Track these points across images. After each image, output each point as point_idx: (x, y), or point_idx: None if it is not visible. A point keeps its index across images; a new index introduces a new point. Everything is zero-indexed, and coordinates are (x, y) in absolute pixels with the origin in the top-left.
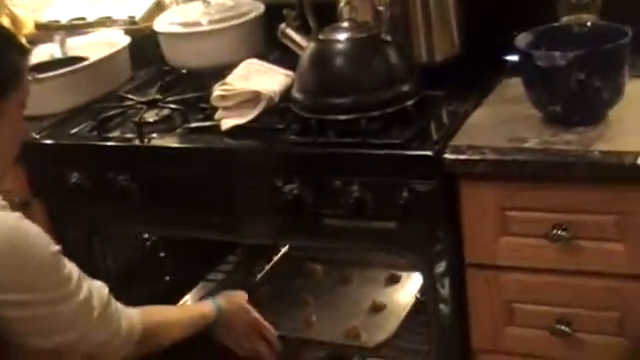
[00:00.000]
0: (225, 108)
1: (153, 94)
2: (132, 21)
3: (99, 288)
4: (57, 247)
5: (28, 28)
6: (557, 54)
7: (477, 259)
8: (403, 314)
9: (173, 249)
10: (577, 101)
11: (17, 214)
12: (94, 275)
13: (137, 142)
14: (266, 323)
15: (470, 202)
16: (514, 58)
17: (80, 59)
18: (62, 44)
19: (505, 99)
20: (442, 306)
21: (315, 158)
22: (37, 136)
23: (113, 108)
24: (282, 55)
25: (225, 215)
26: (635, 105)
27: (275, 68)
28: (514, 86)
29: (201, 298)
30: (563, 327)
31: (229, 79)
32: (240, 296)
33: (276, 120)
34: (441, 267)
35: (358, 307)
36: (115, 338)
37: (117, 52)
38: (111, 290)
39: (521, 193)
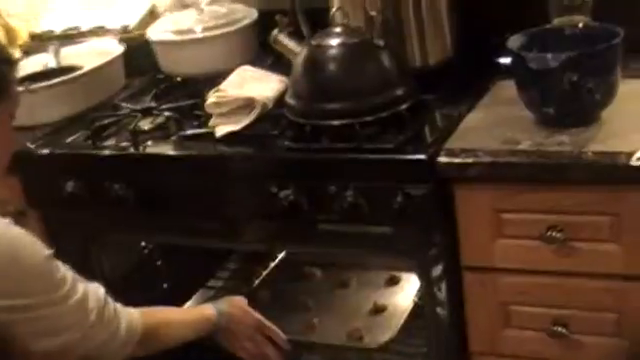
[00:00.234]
0: (219, 115)
1: (147, 102)
2: (126, 30)
3: (95, 289)
4: (49, 251)
5: (22, 38)
6: (549, 56)
7: (473, 262)
8: (405, 314)
9: (170, 257)
10: (570, 102)
11: (6, 220)
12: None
13: (132, 150)
14: (271, 324)
15: (465, 205)
16: (507, 60)
17: (74, 68)
18: (56, 54)
19: (498, 101)
20: (439, 309)
21: (310, 164)
22: (32, 146)
23: (108, 117)
24: (276, 61)
25: (221, 222)
26: (628, 105)
27: (269, 74)
28: (507, 88)
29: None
30: (560, 329)
31: (223, 86)
32: (240, 300)
33: (270, 126)
34: (437, 270)
35: (359, 309)
36: (115, 338)
37: (111, 61)
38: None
39: (516, 195)
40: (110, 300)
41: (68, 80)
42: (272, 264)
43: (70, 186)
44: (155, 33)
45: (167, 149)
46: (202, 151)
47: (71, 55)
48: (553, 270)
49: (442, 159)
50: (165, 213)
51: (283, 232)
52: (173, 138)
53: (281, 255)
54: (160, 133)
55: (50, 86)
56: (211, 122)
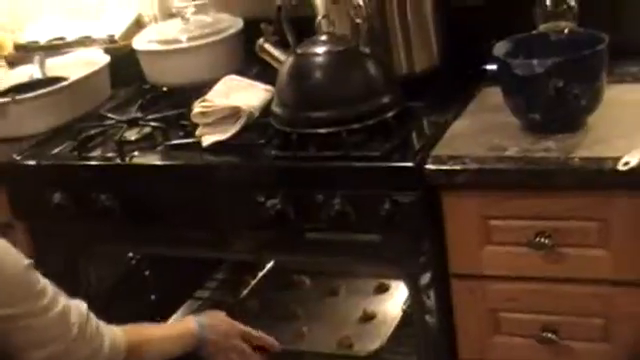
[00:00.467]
0: (205, 125)
1: (133, 112)
2: (111, 40)
3: (77, 304)
4: (28, 261)
5: (7, 49)
6: (535, 62)
7: (461, 269)
8: (394, 322)
9: (158, 267)
10: (556, 108)
11: None
12: (79, 295)
13: (118, 161)
14: (257, 332)
15: (453, 212)
16: (493, 67)
17: (60, 79)
18: (41, 64)
19: (485, 108)
20: (428, 317)
21: (296, 172)
22: (18, 157)
23: (94, 127)
24: (262, 70)
25: (208, 232)
26: (614, 111)
27: (254, 83)
28: (494, 95)
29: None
30: (550, 335)
31: (209, 95)
32: (220, 313)
33: (257, 135)
34: (426, 278)
35: (348, 317)
36: (98, 355)
37: (97, 71)
38: (96, 309)
39: (503, 202)
40: (93, 317)
41: (54, 91)
42: (260, 273)
43: (57, 197)
44: (141, 43)
45: (153, 159)
46: (189, 161)
47: (56, 66)
48: (542, 276)
49: (429, 166)
50: (152, 223)
51: (271, 241)
52: (159, 148)
53: (269, 264)
54: (146, 143)
55: (36, 97)
56: (197, 132)
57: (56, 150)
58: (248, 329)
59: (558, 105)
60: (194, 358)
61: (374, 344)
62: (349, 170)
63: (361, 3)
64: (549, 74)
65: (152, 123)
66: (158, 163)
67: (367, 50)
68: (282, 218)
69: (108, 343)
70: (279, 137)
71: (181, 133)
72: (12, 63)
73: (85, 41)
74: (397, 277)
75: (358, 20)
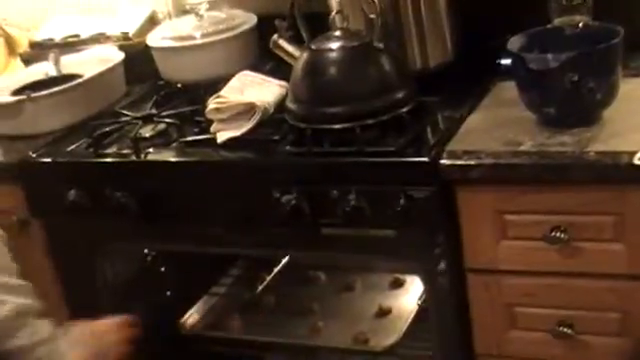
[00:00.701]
0: (220, 121)
1: (148, 109)
2: (125, 37)
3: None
4: None
5: (23, 47)
6: (549, 56)
7: (477, 264)
8: (410, 317)
9: (174, 264)
10: (571, 102)
11: None
12: (96, 291)
13: (134, 157)
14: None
15: (468, 207)
16: (507, 61)
17: (75, 76)
18: (56, 62)
19: (500, 103)
20: (444, 312)
21: (311, 168)
22: (34, 155)
23: (109, 124)
24: (276, 66)
25: (223, 228)
26: (629, 104)
27: (269, 79)
28: (508, 89)
29: (206, 311)
30: (565, 329)
31: (223, 92)
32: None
33: (271, 131)
34: (441, 273)
35: (364, 312)
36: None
37: (111, 68)
38: (113, 306)
39: (518, 196)
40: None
41: (69, 88)
42: (276, 269)
43: (72, 194)
44: (155, 40)
45: (168, 156)
46: (204, 157)
47: (71, 63)
48: (557, 271)
49: (444, 161)
50: (167, 220)
51: (286, 237)
52: (174, 145)
53: (285, 260)
54: (161, 140)
55: (51, 94)
56: (212, 128)
57: (72, 147)
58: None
59: (573, 99)
60: None
61: (390, 339)
62: (364, 165)
63: None
64: (564, 68)
65: (167, 120)
66: (173, 159)
67: (381, 45)
68: (297, 214)
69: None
70: (294, 133)
71: (196, 129)
72: (27, 61)
73: (99, 38)
74: (412, 272)
75: (372, 15)
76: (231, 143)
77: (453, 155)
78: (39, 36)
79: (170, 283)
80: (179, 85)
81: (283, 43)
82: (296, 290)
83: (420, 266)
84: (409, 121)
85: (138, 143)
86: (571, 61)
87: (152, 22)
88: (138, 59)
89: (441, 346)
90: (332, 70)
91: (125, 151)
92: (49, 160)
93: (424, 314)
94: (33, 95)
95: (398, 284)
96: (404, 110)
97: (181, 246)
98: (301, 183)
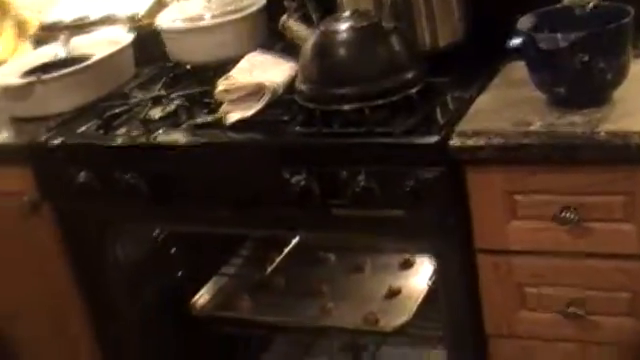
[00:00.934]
0: (230, 102)
1: (157, 91)
2: (135, 18)
3: None
4: None
5: (33, 29)
6: (559, 36)
7: (487, 244)
8: (420, 297)
9: (184, 244)
10: (581, 83)
11: None
12: (106, 273)
13: (143, 139)
14: None
15: (477, 187)
16: (517, 41)
17: (84, 58)
18: (66, 44)
19: (509, 83)
20: (454, 292)
21: (321, 149)
22: (44, 137)
23: (118, 106)
24: (285, 47)
25: (234, 209)
26: None
27: (278, 60)
28: (518, 69)
29: (216, 292)
30: (576, 310)
31: (233, 73)
32: None
33: (281, 112)
34: (451, 253)
35: (374, 293)
36: None
37: (121, 50)
38: (124, 287)
39: (528, 177)
40: None
41: (78, 70)
42: (286, 250)
43: (82, 176)
44: (164, 21)
45: (178, 137)
46: (213, 138)
47: (81, 45)
48: (567, 251)
49: (454, 142)
50: (177, 201)
51: (296, 218)
52: (184, 126)
53: (294, 241)
54: (171, 121)
55: (61, 76)
56: (221, 109)
57: (82, 129)
58: None
59: (583, 79)
60: None
61: (400, 319)
62: (373, 146)
63: None
64: (574, 48)
65: (176, 101)
66: (182, 141)
67: (390, 25)
68: (307, 194)
69: None
70: (303, 114)
71: (205, 111)
72: (37, 42)
73: (109, 20)
74: (422, 252)
75: None
76: (240, 124)
77: (463, 135)
78: (49, 18)
79: (180, 264)
80: (188, 66)
81: (292, 24)
82: (306, 271)
83: (430, 246)
84: (418, 101)
85: (148, 125)
86: (581, 41)
87: (161, 3)
88: (147, 41)
89: (451, 326)
90: (341, 51)
91: (135, 133)
92: (59, 142)
93: (434, 294)
94: (43, 77)
95: (408, 265)
96: (413, 90)
97: (191, 227)
98: (311, 164)
